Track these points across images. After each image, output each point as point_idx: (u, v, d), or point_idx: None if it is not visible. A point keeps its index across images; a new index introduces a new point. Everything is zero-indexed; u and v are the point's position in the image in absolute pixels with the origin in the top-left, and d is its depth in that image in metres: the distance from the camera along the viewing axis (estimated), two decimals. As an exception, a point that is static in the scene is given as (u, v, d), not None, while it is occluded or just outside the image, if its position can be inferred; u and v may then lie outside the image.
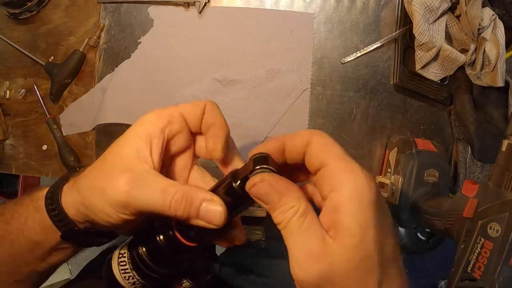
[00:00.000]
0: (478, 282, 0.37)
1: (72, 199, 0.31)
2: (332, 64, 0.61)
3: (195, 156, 0.35)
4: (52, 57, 0.64)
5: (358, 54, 0.61)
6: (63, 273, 1.42)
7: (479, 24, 0.53)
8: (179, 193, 0.27)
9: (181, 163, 0.34)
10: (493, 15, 0.54)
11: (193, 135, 0.33)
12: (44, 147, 0.65)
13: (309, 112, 0.61)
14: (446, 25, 0.57)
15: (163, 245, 0.29)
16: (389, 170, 0.58)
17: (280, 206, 0.24)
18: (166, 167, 0.32)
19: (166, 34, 0.62)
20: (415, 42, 0.56)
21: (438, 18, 0.56)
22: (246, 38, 0.61)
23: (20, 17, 0.64)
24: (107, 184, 0.28)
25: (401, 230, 0.93)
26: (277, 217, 0.25)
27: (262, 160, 0.27)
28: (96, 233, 0.32)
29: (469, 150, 0.59)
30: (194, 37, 0.62)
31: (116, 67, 0.62)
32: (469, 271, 0.38)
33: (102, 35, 0.63)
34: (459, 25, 0.57)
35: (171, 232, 0.29)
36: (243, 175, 0.27)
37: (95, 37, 0.62)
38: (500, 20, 0.55)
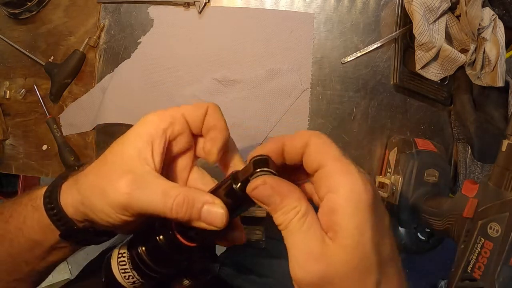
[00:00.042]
0: (478, 282, 0.37)
1: (71, 198, 0.31)
2: (332, 64, 0.61)
3: (195, 157, 0.35)
4: (52, 57, 0.64)
5: (358, 54, 0.61)
6: (63, 273, 1.43)
7: (479, 24, 0.53)
8: (180, 196, 0.27)
9: (181, 163, 0.34)
10: (493, 15, 0.54)
11: (194, 136, 0.33)
12: (44, 147, 0.65)
13: (309, 112, 0.61)
14: (446, 25, 0.57)
15: (163, 245, 0.29)
16: (389, 170, 0.58)
17: (282, 207, 0.25)
18: (166, 167, 0.32)
19: (166, 34, 0.62)
20: (415, 42, 0.56)
21: (438, 18, 0.56)
22: (246, 38, 0.61)
23: (20, 17, 0.64)
24: (108, 185, 0.28)
25: (401, 230, 0.93)
26: (278, 218, 0.25)
27: (262, 162, 0.27)
28: (95, 232, 0.32)
29: (469, 150, 0.59)
30: (194, 37, 0.62)
31: (116, 67, 0.62)
32: (469, 271, 0.38)
33: (102, 35, 0.63)
34: (459, 25, 0.57)
35: (171, 232, 0.29)
36: (244, 177, 0.27)
37: (95, 37, 0.62)
38: (500, 20, 0.55)
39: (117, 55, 0.63)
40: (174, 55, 0.62)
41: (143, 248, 0.30)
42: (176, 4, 0.61)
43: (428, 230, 0.93)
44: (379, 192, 0.57)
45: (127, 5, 0.62)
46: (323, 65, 0.61)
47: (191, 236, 0.29)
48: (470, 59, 0.57)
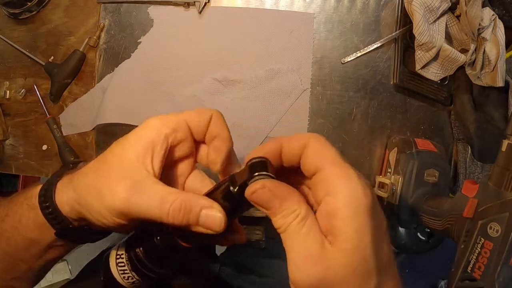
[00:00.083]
0: (478, 282, 0.37)
1: (67, 197, 0.30)
2: (332, 64, 0.61)
3: (195, 161, 0.35)
4: (52, 57, 0.64)
5: (358, 54, 0.61)
6: (63, 273, 1.43)
7: (479, 24, 0.53)
8: (177, 202, 0.27)
9: (181, 168, 0.34)
10: (493, 15, 0.54)
11: (196, 142, 0.33)
12: (44, 147, 0.65)
13: (309, 112, 0.61)
14: (446, 25, 0.57)
15: (160, 246, 0.29)
16: (389, 170, 0.58)
17: (282, 211, 0.25)
18: (165, 170, 0.32)
19: (166, 34, 0.62)
20: (415, 42, 0.56)
21: (438, 18, 0.56)
22: (246, 38, 0.61)
23: (20, 17, 0.64)
24: (105, 188, 0.28)
25: (401, 230, 0.93)
26: (277, 221, 0.25)
27: (260, 165, 0.26)
28: (90, 230, 0.32)
29: (469, 150, 0.59)
30: (194, 37, 0.62)
31: (116, 67, 0.62)
32: (469, 271, 0.38)
33: (102, 35, 0.63)
34: (459, 25, 0.57)
35: (168, 234, 0.29)
36: (242, 180, 0.26)
37: (95, 37, 0.62)
38: (500, 20, 0.55)
39: (117, 55, 0.63)
40: (174, 55, 0.62)
41: (141, 249, 0.30)
42: (176, 4, 0.61)
43: (428, 230, 0.93)
44: (379, 192, 0.57)
45: (127, 5, 0.62)
46: (323, 65, 0.61)
47: (188, 237, 0.29)
48: (470, 59, 0.57)
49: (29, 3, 0.62)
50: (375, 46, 0.61)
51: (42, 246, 0.33)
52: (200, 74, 0.61)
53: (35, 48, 0.65)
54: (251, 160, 0.27)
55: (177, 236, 0.29)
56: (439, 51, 0.56)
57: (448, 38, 0.58)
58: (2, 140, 0.65)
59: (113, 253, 0.31)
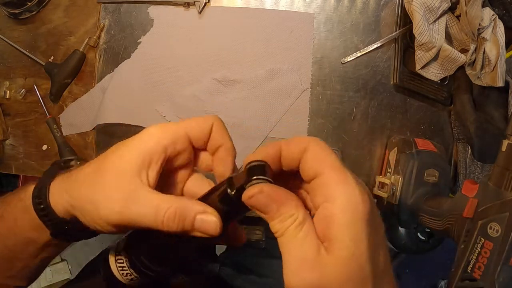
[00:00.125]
0: (478, 282, 0.37)
1: (61, 200, 0.30)
2: (332, 64, 0.61)
3: (194, 166, 0.34)
4: (52, 57, 0.64)
5: (358, 54, 0.61)
6: (63, 273, 1.42)
7: (479, 24, 0.53)
8: (171, 209, 0.27)
9: (180, 173, 0.34)
10: (493, 15, 0.54)
11: (196, 149, 0.33)
12: (44, 147, 0.65)
13: (309, 112, 0.61)
14: (446, 25, 0.57)
15: (158, 244, 0.30)
16: (389, 170, 0.58)
17: (279, 215, 0.24)
18: (163, 176, 0.32)
19: (166, 34, 0.62)
20: (415, 42, 0.56)
21: (438, 18, 0.56)
22: (246, 38, 0.61)
23: (20, 17, 0.64)
24: (100, 201, 0.28)
25: (401, 230, 0.93)
26: (275, 226, 0.25)
27: (259, 169, 0.26)
28: (85, 230, 0.32)
29: (469, 150, 0.59)
30: (194, 37, 0.62)
31: (116, 67, 0.62)
32: (469, 271, 0.38)
33: (102, 35, 0.63)
34: (459, 25, 0.57)
35: (167, 233, 0.29)
36: (239, 184, 0.26)
37: (95, 37, 0.62)
38: (500, 20, 0.55)
39: (117, 55, 0.63)
40: (174, 55, 0.62)
41: (140, 248, 0.30)
42: (176, 4, 0.61)
43: (428, 230, 0.93)
44: (379, 192, 0.57)
45: (127, 5, 0.62)
46: (323, 65, 0.61)
47: (187, 236, 0.29)
48: (470, 59, 0.57)
49: (29, 3, 0.62)
50: (375, 46, 0.61)
51: (39, 245, 0.33)
52: (200, 74, 0.61)
53: (35, 48, 0.65)
54: (249, 163, 0.27)
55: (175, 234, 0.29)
56: (439, 51, 0.56)
57: (448, 38, 0.58)
58: (2, 140, 0.65)
59: (112, 250, 0.32)
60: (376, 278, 0.24)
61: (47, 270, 1.40)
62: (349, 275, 0.23)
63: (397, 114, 0.62)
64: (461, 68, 0.58)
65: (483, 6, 0.54)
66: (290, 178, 0.29)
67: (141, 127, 0.62)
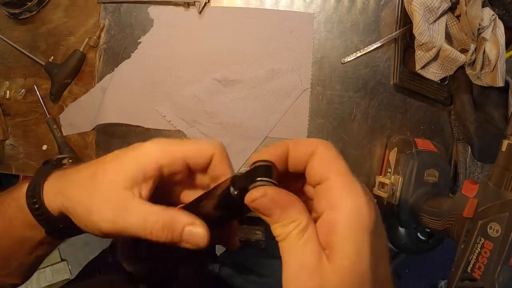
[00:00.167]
0: (478, 282, 0.37)
1: (55, 199, 0.31)
2: (332, 64, 0.61)
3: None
4: (52, 57, 0.64)
5: (358, 54, 0.61)
6: (63, 273, 1.43)
7: (479, 24, 0.53)
8: (159, 222, 0.28)
9: (175, 185, 0.33)
10: (493, 15, 0.54)
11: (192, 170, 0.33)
12: (44, 147, 0.65)
13: (309, 112, 0.61)
14: (446, 25, 0.57)
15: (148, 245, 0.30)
16: (389, 170, 0.58)
17: (282, 220, 0.24)
18: (157, 185, 0.32)
19: (166, 34, 0.62)
20: (415, 42, 0.56)
21: (438, 18, 0.56)
22: (246, 38, 0.61)
23: (20, 17, 0.64)
24: (93, 208, 0.29)
25: (401, 230, 0.93)
26: (276, 229, 0.24)
27: (265, 170, 0.26)
28: (79, 228, 0.32)
29: (469, 150, 0.59)
30: (194, 37, 0.62)
31: (116, 67, 0.62)
32: (469, 271, 0.38)
33: (102, 35, 0.63)
34: (459, 25, 0.57)
35: None
36: (243, 185, 0.26)
37: (95, 37, 0.62)
38: (500, 20, 0.55)
39: (117, 55, 0.63)
40: (174, 55, 0.62)
41: (132, 242, 0.31)
42: (176, 4, 0.61)
43: (428, 230, 0.93)
44: (379, 192, 0.57)
45: (127, 5, 0.62)
46: (323, 65, 0.61)
47: None
48: (470, 59, 0.57)
49: (29, 3, 0.62)
50: (375, 46, 0.61)
51: (33, 243, 0.34)
52: (200, 74, 0.61)
53: (35, 48, 0.65)
54: (256, 162, 0.26)
55: None
56: (439, 51, 0.56)
57: (448, 38, 0.58)
58: (2, 140, 0.65)
59: (117, 245, 0.33)
60: None
61: (47, 270, 1.40)
62: (349, 285, 0.22)
63: (397, 114, 0.62)
64: (461, 68, 0.58)
65: (483, 6, 0.54)
66: (295, 180, 0.29)
67: (141, 127, 0.62)
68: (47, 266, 1.40)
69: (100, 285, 0.44)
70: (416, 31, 0.54)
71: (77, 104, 0.63)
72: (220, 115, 0.60)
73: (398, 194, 0.55)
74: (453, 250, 0.41)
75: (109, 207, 0.28)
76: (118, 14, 0.63)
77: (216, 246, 0.78)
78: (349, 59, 0.61)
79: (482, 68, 0.56)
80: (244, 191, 0.25)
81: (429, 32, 0.54)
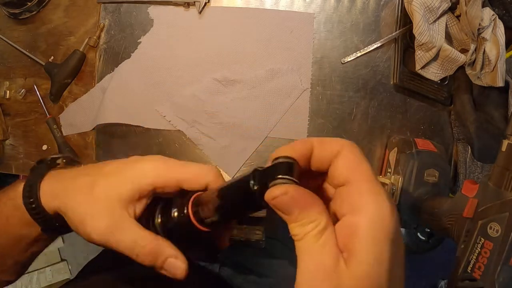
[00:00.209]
0: (478, 282, 0.37)
1: (52, 203, 0.32)
2: (332, 64, 0.61)
3: None
4: (52, 57, 0.64)
5: (358, 54, 0.61)
6: (63, 273, 1.43)
7: (479, 24, 0.53)
8: (147, 248, 0.30)
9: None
10: (493, 15, 0.54)
11: None
12: (44, 147, 0.65)
13: (309, 112, 0.61)
14: (446, 25, 0.57)
15: (174, 220, 0.31)
16: (389, 170, 0.58)
17: (301, 219, 0.24)
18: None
19: (166, 34, 0.62)
20: (415, 42, 0.56)
21: (438, 18, 0.56)
22: (246, 38, 0.61)
23: (20, 17, 0.64)
24: (87, 219, 0.30)
25: (401, 230, 0.93)
26: (294, 229, 0.24)
27: (287, 168, 0.25)
28: None
29: (469, 150, 0.59)
30: (194, 37, 0.62)
31: (116, 67, 0.62)
32: (469, 271, 0.38)
33: (102, 35, 0.63)
34: (459, 25, 0.57)
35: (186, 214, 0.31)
36: (264, 180, 0.25)
37: (95, 37, 0.62)
38: (500, 20, 0.55)
39: (117, 55, 0.63)
40: (174, 55, 0.62)
41: (160, 217, 0.32)
42: (176, 4, 0.61)
43: (428, 230, 0.93)
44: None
45: (127, 5, 0.62)
46: (323, 65, 0.61)
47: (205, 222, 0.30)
48: (470, 59, 0.57)
49: (29, 3, 0.62)
50: (375, 46, 0.61)
51: (29, 240, 0.35)
52: (200, 74, 0.61)
53: (35, 48, 0.65)
54: (277, 158, 0.26)
55: (195, 218, 0.30)
56: (439, 51, 0.56)
57: (448, 38, 0.58)
58: (2, 140, 0.65)
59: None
60: None
61: (47, 270, 1.40)
62: None
63: (397, 114, 0.62)
64: (461, 68, 0.58)
65: (483, 6, 0.54)
66: (314, 177, 0.28)
67: (141, 127, 0.62)
68: (47, 266, 1.40)
69: (100, 285, 0.44)
70: (416, 31, 0.54)
71: (77, 104, 0.63)
72: (220, 115, 0.60)
73: (398, 194, 0.55)
74: (453, 250, 0.41)
75: (103, 222, 0.30)
76: (118, 14, 0.63)
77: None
78: (349, 59, 0.61)
79: (482, 68, 0.56)
80: (264, 187, 0.25)
81: (429, 32, 0.54)
